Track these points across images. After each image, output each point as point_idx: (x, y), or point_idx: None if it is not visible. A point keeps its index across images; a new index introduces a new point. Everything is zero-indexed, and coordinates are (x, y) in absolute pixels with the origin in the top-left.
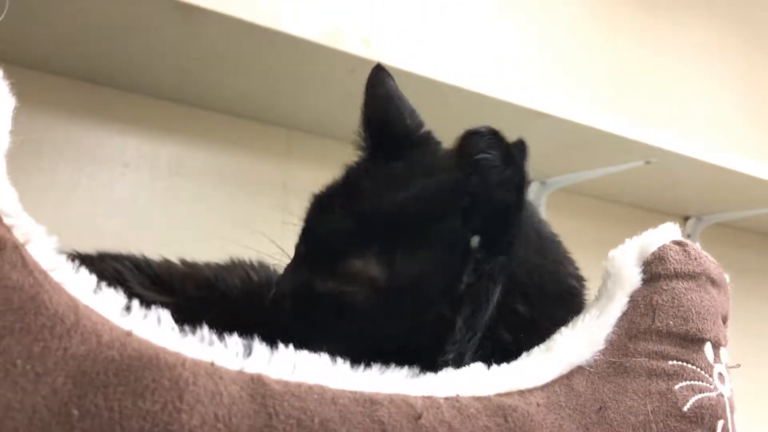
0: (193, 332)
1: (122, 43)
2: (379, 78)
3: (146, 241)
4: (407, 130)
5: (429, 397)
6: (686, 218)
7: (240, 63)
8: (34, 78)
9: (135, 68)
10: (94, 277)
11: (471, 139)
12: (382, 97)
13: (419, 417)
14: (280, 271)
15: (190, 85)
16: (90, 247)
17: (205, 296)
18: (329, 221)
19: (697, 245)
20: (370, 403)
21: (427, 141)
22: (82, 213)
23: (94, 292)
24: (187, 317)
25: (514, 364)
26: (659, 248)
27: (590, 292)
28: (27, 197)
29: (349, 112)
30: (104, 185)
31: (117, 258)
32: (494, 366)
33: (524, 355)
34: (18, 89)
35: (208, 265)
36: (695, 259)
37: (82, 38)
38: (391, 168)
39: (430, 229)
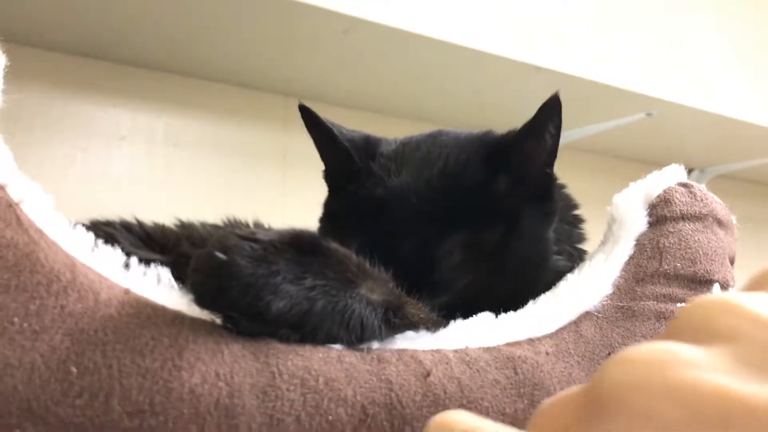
0: None
1: (111, 15)
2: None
3: (144, 214)
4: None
5: (438, 351)
6: (690, 171)
7: (231, 28)
8: (25, 53)
9: (125, 40)
10: (91, 235)
11: None
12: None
13: (428, 374)
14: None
15: (182, 54)
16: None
17: None
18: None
19: (703, 186)
20: (377, 361)
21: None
22: (79, 187)
23: (92, 250)
24: (183, 274)
25: (521, 311)
26: (665, 191)
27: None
28: (23, 173)
29: (344, 74)
30: (101, 159)
31: (108, 223)
32: (502, 314)
33: (531, 302)
34: (10, 65)
35: (203, 225)
36: (701, 200)
37: (72, 11)
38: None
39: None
